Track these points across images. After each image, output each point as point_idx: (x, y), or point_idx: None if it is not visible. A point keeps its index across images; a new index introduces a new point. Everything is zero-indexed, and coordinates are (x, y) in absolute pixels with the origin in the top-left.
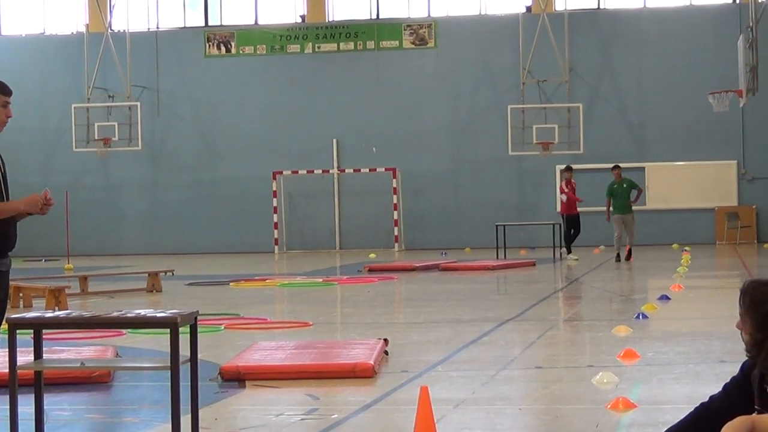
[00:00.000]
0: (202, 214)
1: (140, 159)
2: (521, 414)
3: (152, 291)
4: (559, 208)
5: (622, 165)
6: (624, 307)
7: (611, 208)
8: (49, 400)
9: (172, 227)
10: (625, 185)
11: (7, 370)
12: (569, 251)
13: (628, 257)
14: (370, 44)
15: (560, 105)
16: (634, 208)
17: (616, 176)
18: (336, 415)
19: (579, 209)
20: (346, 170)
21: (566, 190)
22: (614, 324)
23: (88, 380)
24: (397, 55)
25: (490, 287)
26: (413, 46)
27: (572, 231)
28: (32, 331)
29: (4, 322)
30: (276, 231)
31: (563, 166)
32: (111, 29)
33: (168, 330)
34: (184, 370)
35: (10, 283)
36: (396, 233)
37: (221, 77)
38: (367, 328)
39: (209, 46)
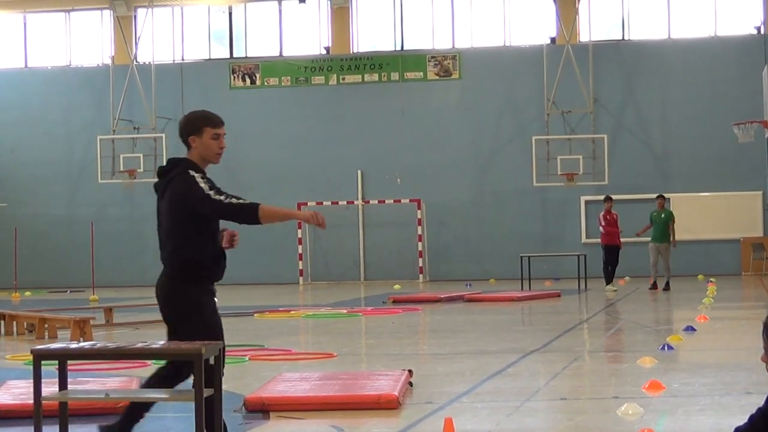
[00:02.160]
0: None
1: None
2: None
3: None
4: (595, 239)
5: (647, 196)
6: (649, 338)
7: (650, 236)
8: (74, 430)
9: None
10: (663, 215)
11: (32, 401)
12: (608, 282)
13: (666, 287)
14: (395, 75)
15: (585, 136)
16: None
17: (658, 205)
18: None
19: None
20: (371, 201)
21: (603, 223)
22: (639, 355)
23: (112, 411)
24: (421, 87)
25: (514, 318)
26: (437, 77)
27: (610, 263)
28: (57, 362)
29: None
30: (300, 262)
31: (603, 197)
32: (136, 61)
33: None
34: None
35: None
36: (420, 264)
37: (246, 109)
38: (391, 359)
39: (234, 77)
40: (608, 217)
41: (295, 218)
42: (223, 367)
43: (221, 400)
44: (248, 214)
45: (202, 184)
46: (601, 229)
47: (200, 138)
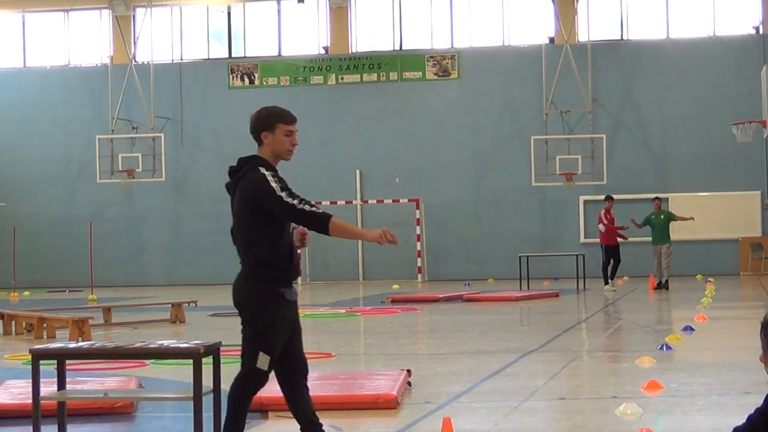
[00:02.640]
0: (225, 246)
1: (164, 190)
2: None
3: (175, 322)
4: (594, 239)
5: (645, 196)
6: (648, 338)
7: (651, 239)
8: (72, 430)
9: (195, 258)
10: (662, 216)
11: (30, 401)
12: (606, 282)
13: (665, 287)
14: (393, 75)
15: (583, 136)
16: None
17: (655, 207)
18: None
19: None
20: (370, 201)
21: (605, 221)
22: (638, 355)
23: (111, 411)
24: (420, 86)
25: (513, 318)
26: (436, 77)
27: (611, 261)
28: (56, 361)
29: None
30: (299, 262)
31: (603, 196)
32: (135, 61)
33: (191, 361)
34: (207, 401)
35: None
36: (419, 264)
37: (245, 108)
38: (390, 359)
39: (233, 77)
40: (608, 216)
41: (364, 239)
42: (306, 374)
43: (220, 400)
44: (318, 223)
45: (273, 184)
46: (602, 227)
47: (273, 134)
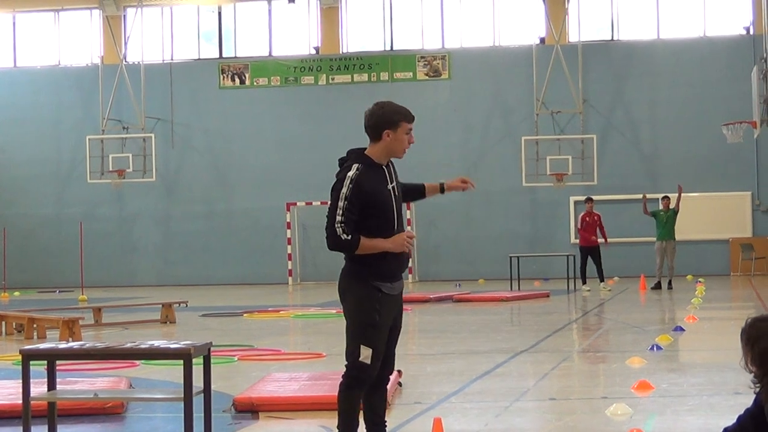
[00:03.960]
0: (215, 246)
1: (154, 190)
2: None
3: (166, 322)
4: (575, 240)
5: (635, 196)
6: (638, 339)
7: (656, 236)
8: (63, 431)
9: (185, 258)
10: (669, 213)
11: (21, 401)
12: (584, 282)
13: (669, 286)
14: (384, 75)
15: (574, 136)
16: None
17: (664, 206)
18: None
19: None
20: None
21: (582, 224)
22: (628, 355)
23: (101, 411)
24: (410, 87)
25: (503, 318)
26: (427, 77)
27: (587, 262)
28: (46, 362)
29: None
30: (290, 262)
31: (583, 198)
32: (126, 61)
33: (181, 361)
34: (198, 402)
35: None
36: (410, 264)
37: (235, 109)
38: None
39: (223, 77)
40: (588, 218)
41: (388, 250)
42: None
43: (210, 400)
44: (343, 249)
45: (346, 190)
46: (579, 226)
47: (395, 132)
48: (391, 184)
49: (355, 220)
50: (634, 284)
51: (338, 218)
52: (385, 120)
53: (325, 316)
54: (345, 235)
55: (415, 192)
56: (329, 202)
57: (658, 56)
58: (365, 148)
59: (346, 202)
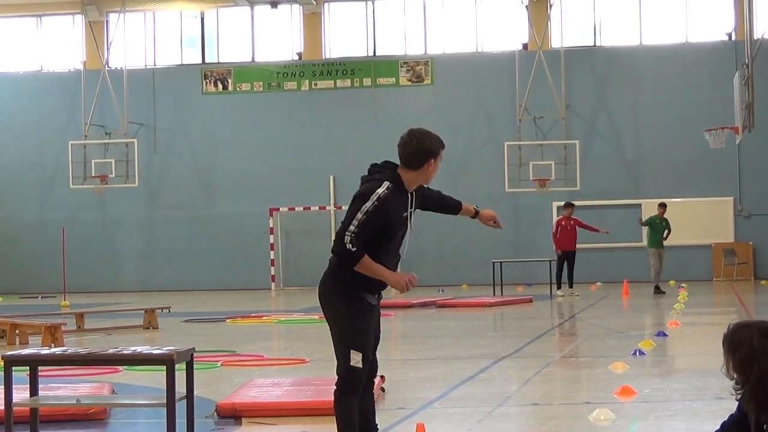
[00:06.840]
0: (198, 251)
1: (137, 196)
2: None
3: (149, 328)
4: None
5: (618, 201)
6: (621, 344)
7: (647, 241)
8: None
9: (168, 264)
10: (663, 223)
11: (2, 407)
12: (559, 286)
13: (657, 291)
14: (367, 81)
15: (557, 142)
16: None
17: (660, 213)
18: None
19: (580, 245)
20: (343, 207)
21: (555, 229)
22: (611, 360)
23: (84, 417)
24: (393, 92)
25: (486, 324)
26: (410, 83)
27: (564, 267)
28: (28, 368)
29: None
30: (273, 268)
31: (576, 203)
32: (108, 66)
33: (164, 367)
34: (181, 407)
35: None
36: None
37: (218, 114)
38: None
39: (206, 83)
40: (564, 222)
41: (387, 281)
42: (374, 377)
43: (193, 406)
44: (346, 261)
45: (369, 204)
46: (554, 230)
47: (435, 161)
48: (409, 210)
49: (368, 235)
50: (616, 290)
51: (352, 228)
52: (431, 150)
53: (308, 321)
54: (352, 246)
55: (450, 207)
56: (348, 207)
57: (640, 62)
58: (398, 165)
59: (365, 217)
